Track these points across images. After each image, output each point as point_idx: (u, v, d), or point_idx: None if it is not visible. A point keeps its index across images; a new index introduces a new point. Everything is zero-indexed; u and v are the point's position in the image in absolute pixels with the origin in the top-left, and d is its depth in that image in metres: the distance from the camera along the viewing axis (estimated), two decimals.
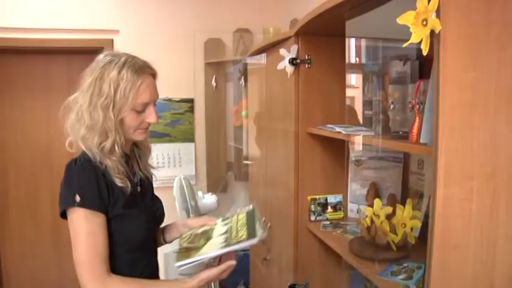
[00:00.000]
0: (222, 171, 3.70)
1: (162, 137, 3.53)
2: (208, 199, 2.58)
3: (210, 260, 1.34)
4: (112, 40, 3.35)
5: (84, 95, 1.32)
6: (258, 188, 2.63)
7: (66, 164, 1.32)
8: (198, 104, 3.59)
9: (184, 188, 2.42)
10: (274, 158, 2.25)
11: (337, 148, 1.88)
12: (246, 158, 3.11)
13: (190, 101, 3.56)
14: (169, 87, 3.48)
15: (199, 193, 2.59)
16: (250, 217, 1.41)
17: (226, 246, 1.27)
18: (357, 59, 1.85)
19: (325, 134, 1.73)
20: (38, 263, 3.54)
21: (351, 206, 1.95)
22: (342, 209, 1.94)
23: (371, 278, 1.41)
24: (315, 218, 1.91)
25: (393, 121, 1.37)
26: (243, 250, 3.50)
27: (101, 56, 1.36)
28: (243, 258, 3.41)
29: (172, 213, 2.38)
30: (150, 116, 1.37)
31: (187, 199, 2.41)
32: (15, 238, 3.60)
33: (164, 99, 3.48)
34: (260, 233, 1.28)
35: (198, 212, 2.50)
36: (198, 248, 1.31)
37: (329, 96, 1.88)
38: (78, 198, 1.25)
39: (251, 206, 1.48)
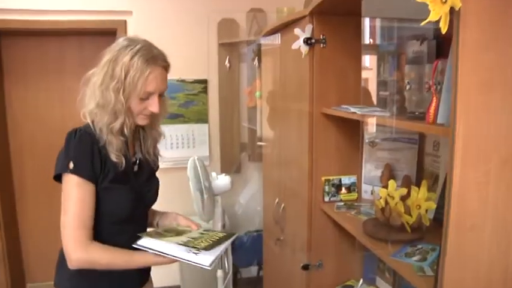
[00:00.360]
0: (236, 152, 3.71)
1: (175, 118, 3.53)
2: (222, 180, 2.56)
3: None
4: (125, 21, 3.34)
5: (99, 72, 1.38)
6: (271, 169, 2.63)
7: (67, 132, 1.39)
8: (212, 84, 3.58)
9: (198, 168, 2.41)
10: (288, 139, 2.24)
11: (352, 129, 1.86)
12: (260, 139, 3.10)
13: (204, 81, 3.55)
14: (182, 68, 3.47)
15: (213, 174, 2.58)
16: (223, 240, 1.45)
17: (181, 245, 1.34)
18: (371, 40, 1.83)
19: (339, 115, 1.72)
20: (53, 241, 3.60)
21: (365, 187, 1.94)
22: (356, 190, 1.93)
23: (384, 259, 1.41)
24: (329, 199, 1.91)
25: (409, 101, 1.35)
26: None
27: (121, 39, 1.42)
28: (257, 238, 3.45)
29: (187, 193, 2.40)
30: (153, 106, 1.41)
31: (201, 180, 2.40)
32: (32, 218, 3.66)
33: (178, 80, 3.48)
34: (210, 260, 1.31)
35: (212, 193, 2.50)
36: (163, 236, 1.41)
37: (344, 77, 1.86)
38: (71, 165, 1.33)
39: (236, 234, 1.52)
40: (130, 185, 1.47)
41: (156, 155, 1.64)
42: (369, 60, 1.90)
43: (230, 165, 3.65)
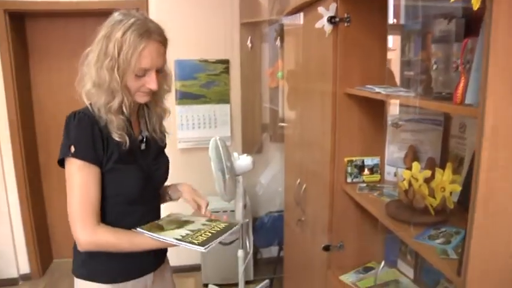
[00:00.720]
0: (257, 133, 3.71)
1: (197, 98, 3.54)
2: (244, 160, 2.56)
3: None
4: (147, 1, 3.33)
5: (93, 49, 1.34)
6: (293, 150, 2.61)
7: (66, 116, 1.36)
8: (234, 65, 3.56)
9: (220, 149, 2.41)
10: (311, 120, 2.22)
11: (375, 110, 1.84)
12: (282, 120, 3.08)
13: (226, 62, 3.53)
14: (204, 48, 3.47)
15: (235, 154, 2.58)
16: (225, 229, 1.42)
17: (179, 240, 1.32)
18: (395, 20, 1.78)
19: (363, 95, 1.68)
20: None
21: (388, 169, 1.91)
22: (379, 171, 1.91)
23: (407, 241, 1.39)
24: (351, 180, 1.89)
25: (435, 82, 1.31)
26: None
27: (116, 13, 1.36)
28: (277, 219, 3.46)
29: (208, 174, 2.41)
30: (150, 83, 1.35)
31: (223, 160, 2.40)
32: (58, 196, 3.75)
33: (199, 60, 3.47)
34: (206, 244, 1.30)
35: (234, 173, 2.50)
36: (163, 230, 1.39)
37: (368, 56, 1.81)
38: (73, 149, 1.31)
39: (240, 222, 1.51)
40: (137, 164, 1.44)
41: (162, 132, 1.59)
42: (392, 41, 1.86)
43: (252, 145, 3.65)
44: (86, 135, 1.32)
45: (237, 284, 2.93)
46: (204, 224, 1.46)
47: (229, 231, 1.42)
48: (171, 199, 1.69)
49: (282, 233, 3.00)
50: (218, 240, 1.35)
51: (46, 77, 3.64)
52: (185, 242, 1.31)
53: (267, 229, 3.58)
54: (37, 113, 3.76)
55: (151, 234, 1.35)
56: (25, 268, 3.74)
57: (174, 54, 3.37)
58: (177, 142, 3.54)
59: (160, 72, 1.39)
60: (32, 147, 3.71)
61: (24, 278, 3.75)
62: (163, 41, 1.37)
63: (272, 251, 3.84)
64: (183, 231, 1.38)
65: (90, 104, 1.37)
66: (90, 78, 1.34)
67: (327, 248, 1.96)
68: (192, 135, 3.57)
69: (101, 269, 1.45)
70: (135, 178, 1.42)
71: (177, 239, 1.32)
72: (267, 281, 3.46)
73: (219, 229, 1.42)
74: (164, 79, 1.46)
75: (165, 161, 1.60)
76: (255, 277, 3.58)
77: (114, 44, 1.29)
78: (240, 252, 2.83)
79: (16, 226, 3.63)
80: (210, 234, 1.37)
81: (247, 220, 2.84)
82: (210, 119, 3.60)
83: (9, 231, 3.62)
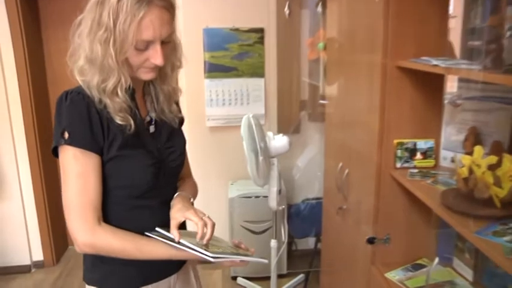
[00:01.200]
0: (295, 111, 3.68)
1: (228, 71, 3.52)
2: (279, 140, 2.55)
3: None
4: None
5: (86, 17, 1.25)
6: (335, 130, 2.59)
7: (57, 98, 1.28)
8: (269, 34, 3.52)
9: (253, 127, 2.40)
10: (356, 96, 2.18)
11: (431, 85, 1.79)
12: (322, 97, 3.04)
13: (260, 30, 3.49)
14: (236, 16, 3.44)
15: (269, 134, 2.57)
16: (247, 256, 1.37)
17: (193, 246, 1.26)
18: None
19: (418, 68, 1.63)
20: None
21: (444, 154, 1.85)
22: (433, 156, 1.86)
23: (467, 237, 1.35)
24: (401, 165, 1.85)
25: (508, 51, 1.23)
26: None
27: None
28: (315, 206, 3.45)
29: (240, 155, 2.39)
30: (155, 57, 1.26)
31: (256, 140, 2.39)
32: None
33: (231, 29, 3.44)
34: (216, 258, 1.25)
35: (268, 155, 2.49)
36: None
37: (424, 24, 1.75)
38: (66, 135, 1.23)
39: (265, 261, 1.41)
40: (146, 149, 1.35)
41: (173, 112, 1.47)
42: (452, 7, 1.78)
43: (288, 124, 3.63)
44: (81, 117, 1.24)
45: (268, 278, 2.95)
46: (229, 247, 1.40)
47: (250, 259, 1.36)
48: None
49: (320, 222, 2.99)
50: (233, 257, 1.31)
51: (60, 48, 3.69)
52: (199, 249, 1.25)
53: (303, 218, 3.57)
54: (51, 84, 3.83)
55: (164, 235, 1.28)
56: (38, 255, 3.86)
57: (202, 22, 3.37)
58: (205, 119, 3.54)
59: (168, 42, 1.30)
60: (45, 123, 3.79)
61: (37, 265, 3.87)
62: (167, 6, 1.25)
63: (308, 243, 3.84)
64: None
65: (84, 82, 1.28)
66: (83, 52, 1.25)
67: (371, 241, 1.94)
68: (222, 113, 3.56)
69: (114, 273, 1.39)
70: (144, 165, 1.33)
71: (190, 247, 1.26)
72: (301, 275, 3.48)
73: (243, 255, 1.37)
74: (173, 52, 1.36)
75: (181, 142, 1.51)
76: (288, 270, 3.59)
77: (108, 12, 1.19)
78: (273, 243, 2.84)
79: (29, 208, 3.74)
80: (229, 251, 1.33)
81: (283, 207, 2.83)
82: (242, 95, 3.58)
83: (21, 214, 3.73)
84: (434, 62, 1.50)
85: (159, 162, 1.38)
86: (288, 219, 3.42)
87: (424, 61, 1.59)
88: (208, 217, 1.32)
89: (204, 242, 1.28)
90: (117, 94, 1.26)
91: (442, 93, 1.81)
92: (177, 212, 1.34)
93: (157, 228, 1.33)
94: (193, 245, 1.27)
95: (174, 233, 1.28)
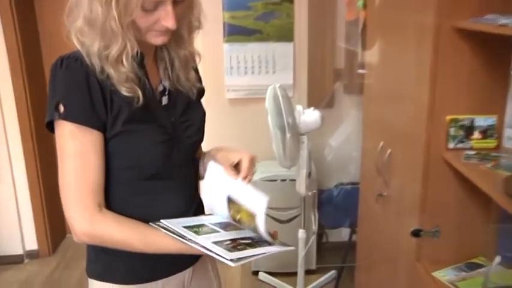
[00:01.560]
0: (328, 81, 3.67)
1: (251, 34, 3.52)
2: (310, 115, 2.55)
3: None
4: None
5: None
6: (375, 103, 2.58)
7: (51, 65, 1.25)
8: None
9: (280, 100, 2.39)
10: (401, 64, 2.16)
11: (496, 51, 1.75)
12: (361, 65, 3.02)
13: None
14: None
15: (299, 108, 2.57)
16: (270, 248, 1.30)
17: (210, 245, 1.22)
18: None
19: (480, 29, 1.58)
20: None
21: (509, 133, 1.80)
22: (495, 135, 1.83)
23: None
24: (455, 145, 1.83)
25: None
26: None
27: None
28: (351, 193, 3.44)
29: (264, 131, 2.37)
30: (166, 18, 1.23)
31: (283, 115, 2.39)
32: None
33: None
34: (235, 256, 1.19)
35: (297, 132, 2.48)
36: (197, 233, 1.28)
37: None
38: (61, 108, 1.21)
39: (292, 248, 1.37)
40: (157, 123, 1.34)
41: (190, 80, 1.45)
42: None
43: (320, 97, 3.63)
44: (79, 87, 1.22)
45: (294, 274, 2.96)
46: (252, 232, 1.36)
47: (276, 250, 1.30)
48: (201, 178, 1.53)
49: (355, 211, 2.98)
50: (256, 257, 1.26)
51: (57, 21, 3.69)
52: (216, 249, 1.20)
53: (336, 205, 3.57)
54: (45, 50, 3.84)
55: (170, 228, 1.25)
56: (32, 244, 3.93)
57: None
58: (224, 90, 3.55)
59: (181, 1, 1.27)
60: (40, 94, 3.79)
61: (31, 255, 3.94)
62: None
63: (342, 234, 3.85)
64: (221, 236, 1.28)
65: (82, 46, 1.25)
66: (82, 12, 1.22)
67: (417, 234, 1.92)
68: (244, 83, 3.57)
69: (117, 265, 1.39)
70: (154, 142, 1.32)
71: (205, 247, 1.21)
72: (333, 271, 3.48)
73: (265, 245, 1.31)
74: (189, 10, 1.33)
75: (199, 115, 1.50)
76: (318, 265, 3.60)
77: None
78: (301, 233, 2.84)
79: (21, 192, 3.80)
80: (249, 248, 1.27)
81: (314, 191, 2.82)
82: (267, 62, 3.58)
83: (12, 198, 3.78)
84: (502, 21, 1.45)
85: (172, 138, 1.36)
86: (318, 207, 3.43)
87: (488, 20, 1.54)
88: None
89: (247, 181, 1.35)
90: (121, 62, 1.24)
91: (509, 61, 1.76)
92: (231, 153, 1.43)
93: (162, 221, 1.30)
94: (210, 241, 1.24)
95: (229, 172, 1.36)
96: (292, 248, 1.33)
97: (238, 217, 1.34)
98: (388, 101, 2.37)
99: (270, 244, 1.30)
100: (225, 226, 1.36)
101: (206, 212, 1.49)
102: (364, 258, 2.88)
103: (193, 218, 1.40)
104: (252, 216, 1.29)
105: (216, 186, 1.39)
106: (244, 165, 1.39)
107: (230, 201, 1.35)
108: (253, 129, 3.47)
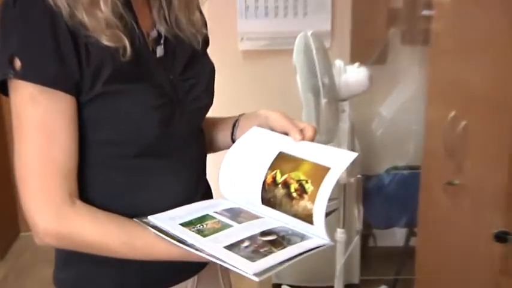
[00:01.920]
0: (380, 27, 3.69)
1: None
2: (354, 74, 2.54)
3: None
4: None
5: None
6: (446, 59, 2.57)
7: (0, 4, 1.23)
8: None
9: (313, 53, 2.38)
10: (485, 2, 2.15)
11: None
12: (427, 4, 2.98)
13: None
14: None
15: (339, 63, 2.54)
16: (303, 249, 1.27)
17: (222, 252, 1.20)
18: None
19: None
20: None
21: None
22: None
23: None
24: None
25: None
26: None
27: None
28: (408, 180, 3.44)
29: (292, 95, 2.36)
30: None
31: (317, 73, 2.37)
32: None
33: None
34: (258, 268, 1.15)
35: (336, 97, 2.46)
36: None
37: None
38: (18, 63, 1.18)
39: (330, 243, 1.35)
40: (151, 82, 1.32)
41: (194, 23, 1.46)
42: None
43: (368, 49, 3.64)
44: (42, 35, 1.18)
45: None
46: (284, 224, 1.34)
47: (311, 246, 1.27)
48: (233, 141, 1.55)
49: (414, 205, 2.99)
50: (287, 263, 1.27)
51: None
52: (231, 259, 1.18)
53: (388, 197, 3.60)
54: None
55: (163, 229, 1.23)
56: None
57: None
58: (237, 39, 3.53)
59: None
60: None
61: None
62: None
63: (396, 236, 3.87)
64: (235, 233, 1.26)
65: None
66: None
67: (502, 237, 1.91)
68: (264, 28, 3.57)
69: (95, 275, 1.40)
70: (147, 107, 1.29)
71: (216, 257, 1.19)
72: (383, 287, 3.48)
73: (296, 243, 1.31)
74: None
75: (207, 70, 1.51)
76: (363, 277, 3.64)
77: None
78: (340, 234, 2.84)
79: None
80: (275, 250, 1.27)
81: (359, 176, 2.81)
82: (295, 1, 3.55)
83: None
84: None
85: (171, 101, 1.36)
86: (364, 199, 3.41)
87: None
88: None
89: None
90: (98, 5, 1.21)
91: None
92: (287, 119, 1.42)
93: (150, 217, 1.28)
94: (222, 245, 1.21)
95: (294, 136, 1.35)
96: (330, 242, 1.28)
97: (283, 178, 1.32)
98: (464, 55, 2.36)
99: (301, 238, 1.28)
100: (237, 214, 1.34)
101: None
102: (426, 268, 2.89)
103: (191, 206, 1.38)
104: (317, 170, 1.29)
105: (255, 146, 1.41)
106: (309, 133, 1.38)
107: (279, 158, 1.36)
108: (275, 93, 3.47)
